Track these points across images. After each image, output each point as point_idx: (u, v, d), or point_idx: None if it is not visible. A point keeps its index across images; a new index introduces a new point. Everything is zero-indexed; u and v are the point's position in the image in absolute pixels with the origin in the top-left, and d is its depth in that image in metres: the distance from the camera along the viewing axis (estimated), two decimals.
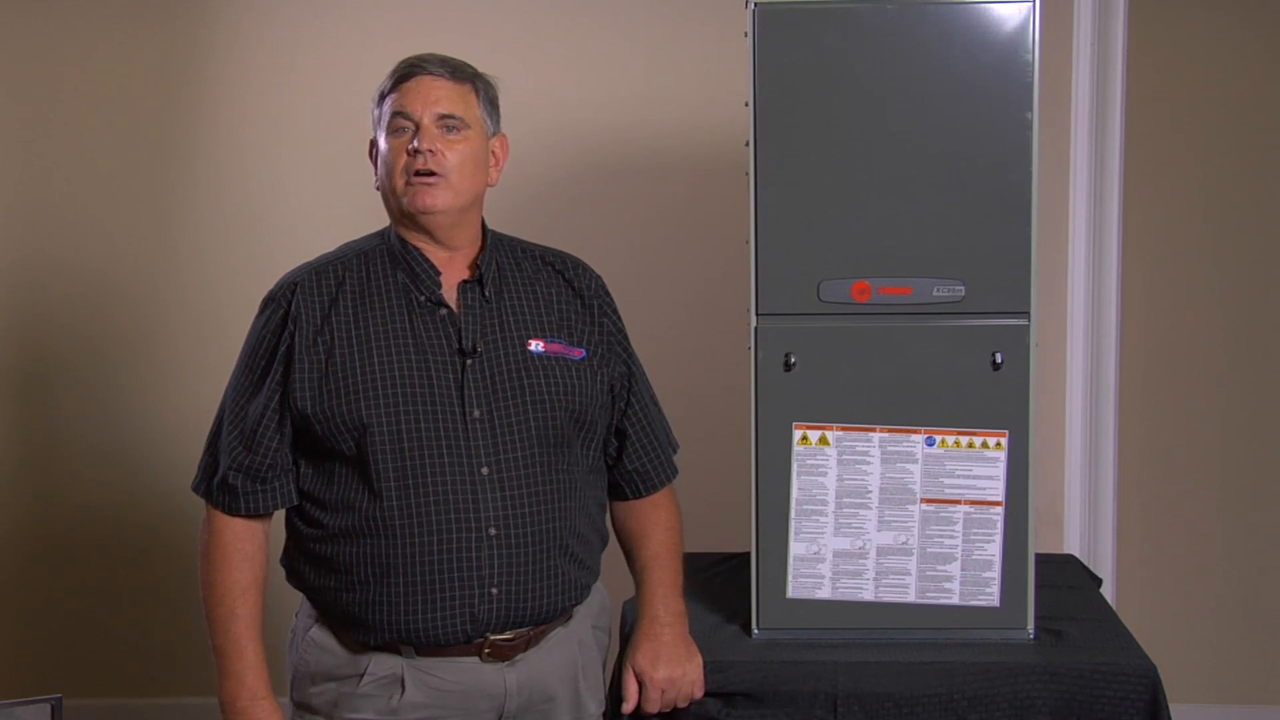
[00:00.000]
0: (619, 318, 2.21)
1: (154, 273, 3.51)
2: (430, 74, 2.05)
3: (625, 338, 2.21)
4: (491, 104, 2.12)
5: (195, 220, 3.50)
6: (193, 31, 3.45)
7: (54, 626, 3.59)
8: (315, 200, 3.44)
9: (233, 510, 2.05)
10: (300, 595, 2.14)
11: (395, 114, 2.04)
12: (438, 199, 2.03)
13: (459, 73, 2.07)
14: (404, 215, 2.07)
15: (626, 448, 2.20)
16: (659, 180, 3.44)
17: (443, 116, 2.03)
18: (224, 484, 2.05)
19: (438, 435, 2.00)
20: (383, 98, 2.07)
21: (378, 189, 2.11)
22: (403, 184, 2.04)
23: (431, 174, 2.02)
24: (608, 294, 2.21)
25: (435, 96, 2.04)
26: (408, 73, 2.06)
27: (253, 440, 2.04)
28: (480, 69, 2.12)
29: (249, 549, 2.06)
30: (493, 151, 2.11)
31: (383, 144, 2.07)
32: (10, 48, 3.46)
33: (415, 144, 2.02)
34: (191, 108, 3.47)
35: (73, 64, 3.47)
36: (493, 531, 2.00)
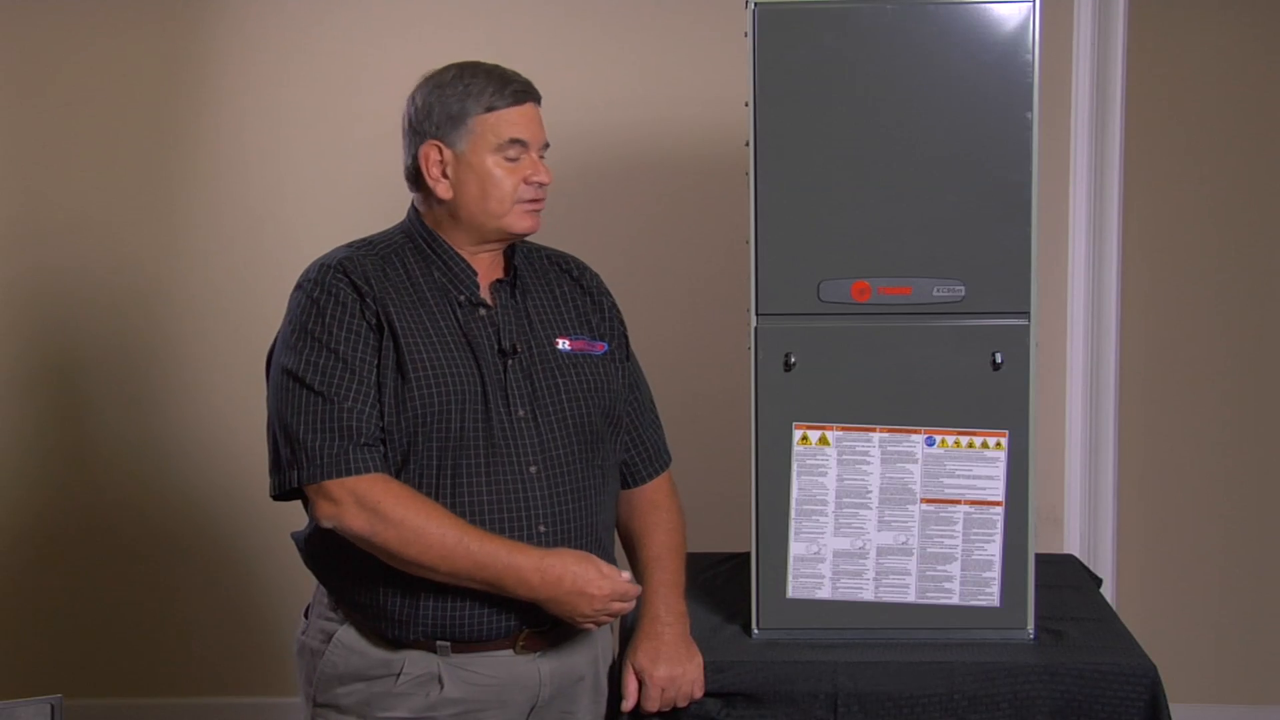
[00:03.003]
0: (621, 314, 2.25)
1: (161, 273, 3.51)
2: (534, 101, 2.10)
3: (627, 334, 2.25)
4: None
5: (203, 221, 3.50)
6: (195, 32, 3.45)
7: (54, 626, 3.59)
8: (323, 198, 3.44)
9: (380, 467, 1.98)
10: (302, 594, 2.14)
11: (514, 141, 2.06)
12: (538, 223, 2.11)
13: (539, 99, 2.13)
14: (494, 231, 2.08)
15: (618, 438, 2.22)
16: (659, 180, 3.44)
17: (545, 146, 2.11)
18: (370, 445, 1.98)
19: (489, 435, 2.02)
20: (487, 111, 2.05)
21: (447, 198, 2.07)
22: (510, 208, 2.07)
23: (539, 202, 2.09)
24: (610, 293, 2.25)
25: (538, 125, 2.10)
26: (520, 98, 2.08)
27: (378, 401, 1.99)
28: None
29: (408, 489, 1.99)
30: None
31: (490, 165, 2.06)
32: (12, 49, 3.46)
33: (541, 177, 2.08)
34: (196, 109, 3.47)
35: (76, 65, 3.47)
36: (542, 529, 2.02)
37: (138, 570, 3.57)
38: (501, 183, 2.06)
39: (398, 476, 2.01)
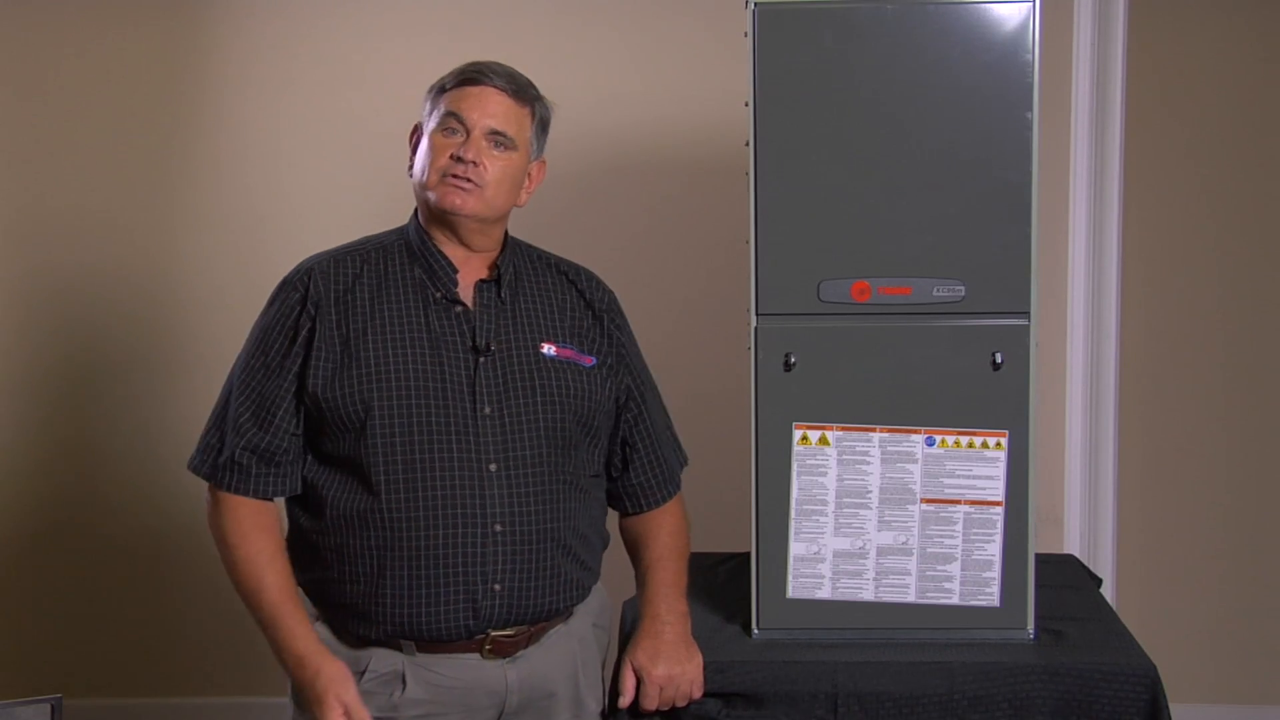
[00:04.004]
0: (630, 334, 2.24)
1: (163, 272, 3.51)
2: (495, 86, 2.08)
3: (638, 353, 2.24)
4: (542, 128, 2.15)
5: (205, 220, 3.50)
6: (196, 32, 3.45)
7: (54, 626, 3.59)
8: (326, 197, 3.44)
9: (241, 490, 2.05)
10: None
11: (449, 113, 2.07)
12: (468, 203, 2.06)
13: (522, 93, 2.10)
14: (431, 209, 2.09)
15: (633, 461, 2.22)
16: (659, 180, 3.44)
17: (495, 131, 2.07)
18: (232, 462, 2.04)
19: (447, 429, 2.01)
20: (441, 92, 2.10)
21: (410, 175, 2.13)
22: (436, 180, 2.06)
23: (469, 181, 2.05)
24: (620, 311, 2.24)
25: (493, 110, 2.07)
26: (473, 77, 2.08)
27: (269, 420, 2.04)
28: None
29: (265, 521, 2.06)
30: (529, 173, 2.14)
31: (428, 138, 2.09)
32: (12, 49, 3.46)
33: (462, 152, 2.04)
34: (197, 109, 3.47)
35: (76, 65, 3.47)
36: (498, 528, 2.01)
37: (138, 570, 3.57)
38: (431, 153, 2.08)
39: (350, 468, 2.02)
